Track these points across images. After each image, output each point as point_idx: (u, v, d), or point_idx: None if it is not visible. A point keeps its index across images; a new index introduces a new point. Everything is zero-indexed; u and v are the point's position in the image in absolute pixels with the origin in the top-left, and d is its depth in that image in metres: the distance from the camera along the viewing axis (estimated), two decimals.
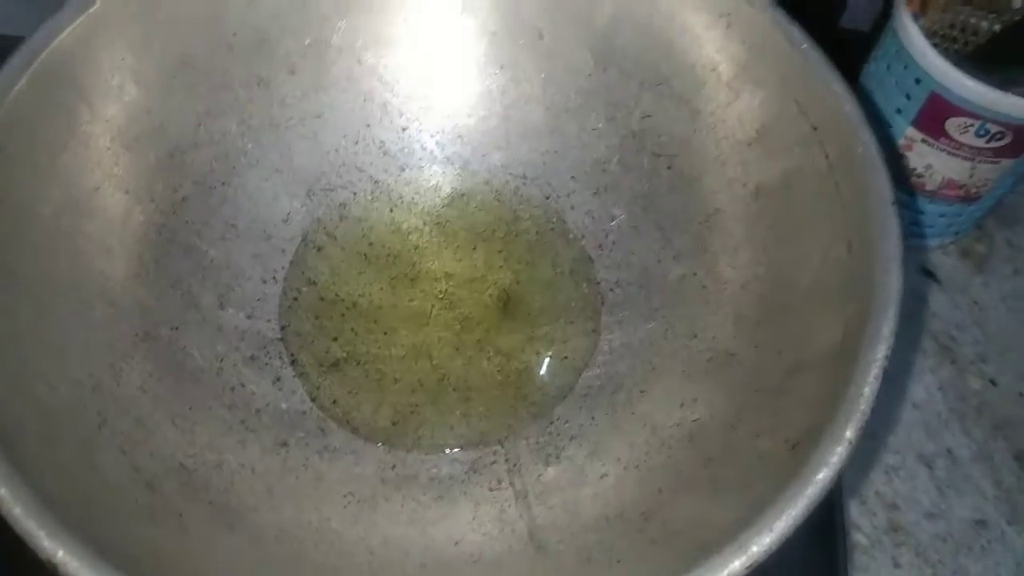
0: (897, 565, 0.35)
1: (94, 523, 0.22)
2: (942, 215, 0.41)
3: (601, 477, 0.27)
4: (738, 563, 0.18)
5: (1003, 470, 0.38)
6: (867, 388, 0.20)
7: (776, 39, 0.28)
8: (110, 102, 0.29)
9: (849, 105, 0.25)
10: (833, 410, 0.20)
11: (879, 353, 0.21)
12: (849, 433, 0.20)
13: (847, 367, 0.21)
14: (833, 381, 0.22)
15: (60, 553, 0.19)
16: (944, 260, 0.44)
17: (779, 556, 0.31)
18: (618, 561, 0.23)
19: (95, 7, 0.28)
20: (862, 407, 0.20)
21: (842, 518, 0.34)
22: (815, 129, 0.26)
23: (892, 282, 0.22)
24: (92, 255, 0.28)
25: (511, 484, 0.27)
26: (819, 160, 0.26)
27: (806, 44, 0.27)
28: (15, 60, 0.26)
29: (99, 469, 0.24)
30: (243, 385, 0.29)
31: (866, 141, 0.24)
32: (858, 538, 0.36)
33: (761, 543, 0.19)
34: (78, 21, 0.28)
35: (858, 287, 0.23)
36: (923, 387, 0.40)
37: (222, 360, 0.29)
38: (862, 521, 0.36)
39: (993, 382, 0.40)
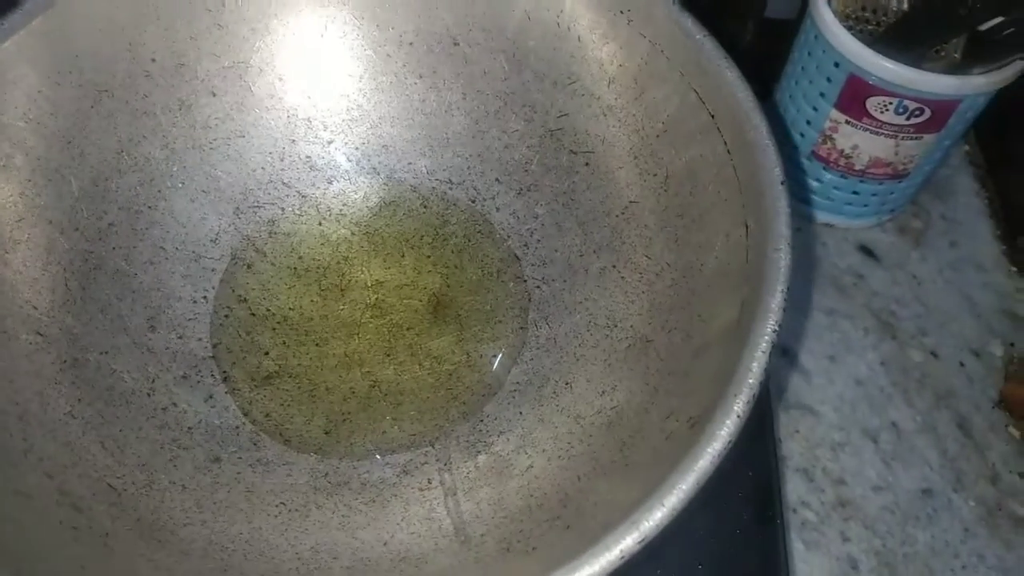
0: (846, 539, 0.36)
1: (15, 546, 0.22)
2: (874, 194, 0.42)
3: (527, 469, 0.27)
4: (630, 539, 0.19)
5: (947, 439, 0.38)
6: (755, 363, 0.21)
7: (673, 31, 0.28)
8: (29, 135, 0.30)
9: (741, 92, 0.26)
10: (725, 386, 0.21)
11: (768, 328, 0.21)
12: (738, 407, 0.20)
13: (740, 344, 0.22)
14: (729, 358, 0.22)
15: None
16: (882, 237, 0.44)
17: (719, 533, 0.31)
18: (534, 548, 0.23)
19: (5, 44, 0.28)
20: (750, 381, 0.20)
21: (781, 492, 0.34)
22: (713, 117, 0.27)
23: (781, 259, 0.22)
24: (17, 285, 0.29)
25: (441, 482, 0.28)
26: (718, 147, 0.27)
27: (700, 35, 0.28)
28: None
29: (23, 494, 0.24)
30: (175, 404, 0.29)
31: (757, 125, 0.25)
32: (807, 515, 0.36)
33: (653, 519, 0.19)
34: None
35: (753, 267, 0.23)
36: (865, 363, 0.40)
37: (153, 381, 0.30)
38: (810, 498, 0.36)
39: (934, 354, 0.41)
